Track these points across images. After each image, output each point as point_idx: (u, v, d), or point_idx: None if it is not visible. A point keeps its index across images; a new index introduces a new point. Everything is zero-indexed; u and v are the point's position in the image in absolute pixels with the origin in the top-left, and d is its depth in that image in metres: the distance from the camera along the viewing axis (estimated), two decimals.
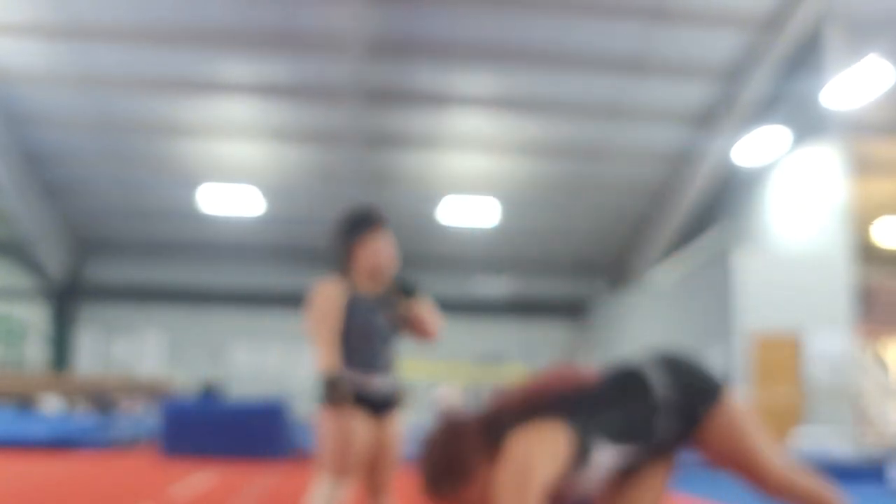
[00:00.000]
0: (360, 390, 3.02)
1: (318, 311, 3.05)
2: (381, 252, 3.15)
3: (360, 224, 3.19)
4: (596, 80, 14.67)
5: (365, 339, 3.06)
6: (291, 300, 21.67)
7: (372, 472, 3.10)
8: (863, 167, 13.66)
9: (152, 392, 16.42)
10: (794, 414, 11.79)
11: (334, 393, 2.89)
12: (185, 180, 17.64)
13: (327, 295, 3.09)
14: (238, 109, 15.73)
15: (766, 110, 14.55)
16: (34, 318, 20.39)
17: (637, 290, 18.52)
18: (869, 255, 14.73)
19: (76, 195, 18.44)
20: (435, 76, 14.75)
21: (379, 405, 3.05)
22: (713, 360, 13.03)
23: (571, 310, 21.96)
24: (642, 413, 2.29)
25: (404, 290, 3.18)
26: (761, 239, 14.77)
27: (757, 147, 14.37)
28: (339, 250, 3.20)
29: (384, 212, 3.25)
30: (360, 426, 2.97)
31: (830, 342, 12.05)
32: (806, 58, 13.43)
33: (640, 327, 17.57)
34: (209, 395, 13.31)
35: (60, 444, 10.83)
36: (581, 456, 2.16)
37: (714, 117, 15.31)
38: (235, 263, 20.70)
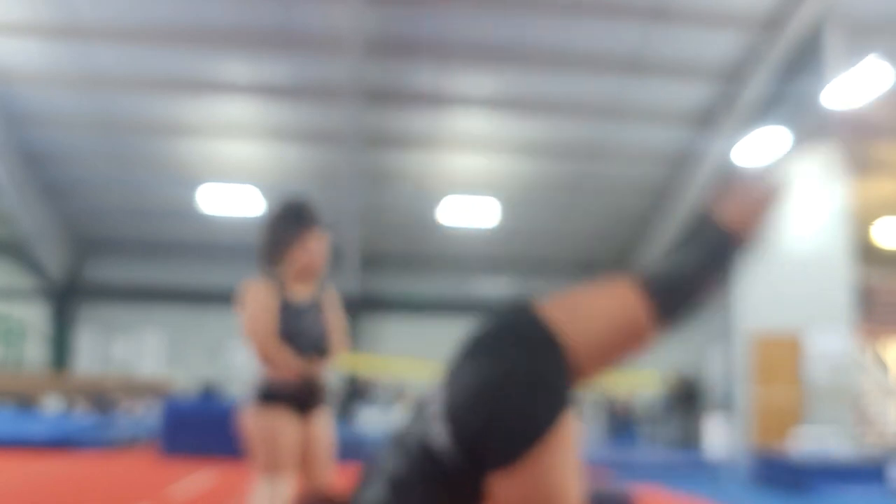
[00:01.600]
0: (284, 389, 3.04)
1: (254, 316, 3.05)
2: (315, 252, 3.11)
3: (297, 220, 3.13)
4: (596, 80, 14.67)
5: (291, 342, 3.05)
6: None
7: (306, 471, 3.10)
8: (863, 168, 13.66)
9: (152, 392, 16.41)
10: (793, 414, 11.78)
11: (315, 392, 3.06)
12: (184, 180, 17.63)
13: (260, 299, 3.07)
14: (238, 109, 15.73)
15: (766, 111, 14.54)
16: (33, 317, 20.37)
17: None
18: (869, 255, 14.73)
19: (75, 195, 18.44)
20: (435, 76, 14.75)
21: (303, 403, 3.06)
22: (713, 359, 13.03)
23: None
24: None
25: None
26: (761, 239, 14.75)
27: (757, 147, 14.37)
28: (272, 245, 3.16)
29: (318, 209, 3.20)
30: (286, 423, 2.99)
31: (830, 342, 12.05)
32: (806, 58, 13.42)
33: None
34: (209, 394, 13.30)
35: (60, 443, 10.83)
36: None
37: (714, 117, 15.31)
38: (235, 264, 20.63)
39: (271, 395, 3.04)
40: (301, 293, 3.15)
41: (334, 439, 3.20)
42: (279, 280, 3.13)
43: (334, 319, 3.25)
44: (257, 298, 3.06)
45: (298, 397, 3.04)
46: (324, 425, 3.12)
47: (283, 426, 2.97)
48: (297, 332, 3.07)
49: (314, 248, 3.10)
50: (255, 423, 2.98)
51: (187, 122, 16.02)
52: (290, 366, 2.98)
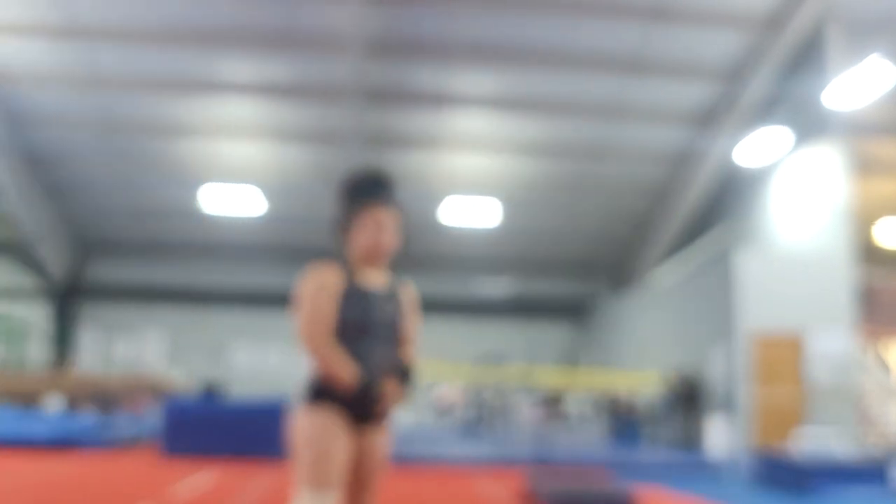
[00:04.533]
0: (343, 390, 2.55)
1: (310, 307, 2.54)
2: (374, 233, 2.59)
3: (358, 194, 2.63)
4: (597, 79, 14.67)
5: (360, 335, 2.56)
6: (292, 300, 21.72)
7: (352, 489, 2.62)
8: (864, 167, 13.66)
9: (153, 392, 16.42)
10: (795, 414, 11.78)
11: (372, 395, 2.49)
12: (186, 180, 17.65)
13: (320, 285, 2.55)
14: (239, 109, 15.74)
15: (767, 110, 14.54)
16: (36, 317, 20.40)
17: (638, 291, 18.51)
18: (870, 255, 14.72)
19: (77, 195, 18.46)
20: (435, 76, 14.76)
21: (364, 411, 2.56)
22: (714, 360, 13.02)
23: (573, 310, 21.95)
24: None
25: (403, 376, 2.62)
26: (763, 239, 14.76)
27: (758, 147, 14.36)
28: (336, 225, 2.69)
29: (392, 178, 2.70)
30: (342, 433, 2.51)
31: (832, 342, 12.04)
32: (807, 58, 13.42)
33: (641, 328, 17.56)
34: (210, 394, 13.29)
35: (62, 443, 10.84)
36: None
37: (715, 117, 15.31)
38: (236, 263, 20.70)
39: (326, 395, 2.53)
40: (374, 279, 2.65)
41: (386, 457, 2.67)
42: (346, 264, 2.64)
43: (409, 320, 2.71)
44: (315, 286, 2.54)
45: (359, 403, 2.55)
46: (382, 442, 2.64)
47: (335, 433, 2.48)
48: (370, 321, 2.57)
49: (374, 227, 2.58)
50: (303, 426, 2.49)
51: (189, 123, 16.03)
52: (343, 373, 2.47)
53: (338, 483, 2.48)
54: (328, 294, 2.55)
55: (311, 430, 2.49)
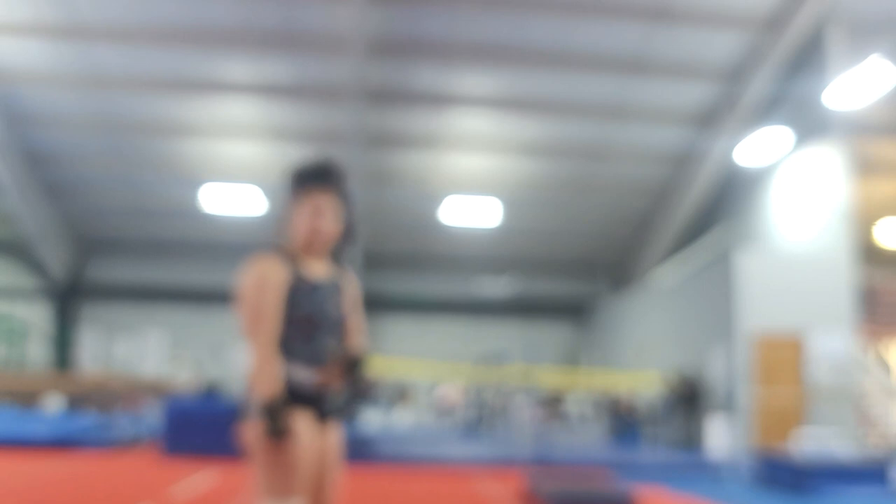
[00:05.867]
0: (304, 390, 2.41)
1: (253, 301, 2.44)
2: (311, 218, 2.51)
3: (299, 181, 2.59)
4: (598, 80, 14.66)
5: (312, 330, 2.46)
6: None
7: (314, 494, 2.46)
8: (865, 168, 13.65)
9: (154, 391, 16.41)
10: (795, 415, 11.77)
11: (274, 425, 2.28)
12: (187, 180, 17.64)
13: (265, 279, 2.45)
14: (240, 109, 15.74)
15: (768, 111, 14.53)
16: (36, 317, 20.39)
17: (639, 291, 18.50)
18: (871, 255, 14.70)
19: (78, 195, 18.46)
20: (436, 76, 14.76)
21: (324, 407, 2.45)
22: (715, 360, 13.01)
23: (573, 310, 21.95)
24: None
25: (352, 366, 2.53)
26: (763, 239, 14.75)
27: (759, 147, 14.36)
28: (278, 215, 2.62)
29: (337, 168, 2.64)
30: (306, 434, 2.36)
31: (832, 343, 12.03)
32: (808, 58, 13.41)
33: (642, 328, 17.55)
34: (210, 394, 13.30)
35: (62, 443, 10.84)
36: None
37: (716, 117, 15.30)
38: (237, 263, 20.64)
39: (289, 398, 2.37)
40: (317, 269, 2.56)
41: (341, 455, 2.56)
42: (288, 254, 2.55)
43: (353, 308, 2.63)
44: (258, 281, 2.46)
45: (321, 401, 2.43)
46: (336, 440, 2.52)
47: (300, 437, 2.33)
48: (321, 315, 2.47)
49: (312, 212, 2.51)
50: (263, 435, 2.30)
51: (189, 122, 16.03)
52: (265, 389, 2.33)
53: (301, 489, 2.35)
54: (273, 290, 2.45)
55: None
